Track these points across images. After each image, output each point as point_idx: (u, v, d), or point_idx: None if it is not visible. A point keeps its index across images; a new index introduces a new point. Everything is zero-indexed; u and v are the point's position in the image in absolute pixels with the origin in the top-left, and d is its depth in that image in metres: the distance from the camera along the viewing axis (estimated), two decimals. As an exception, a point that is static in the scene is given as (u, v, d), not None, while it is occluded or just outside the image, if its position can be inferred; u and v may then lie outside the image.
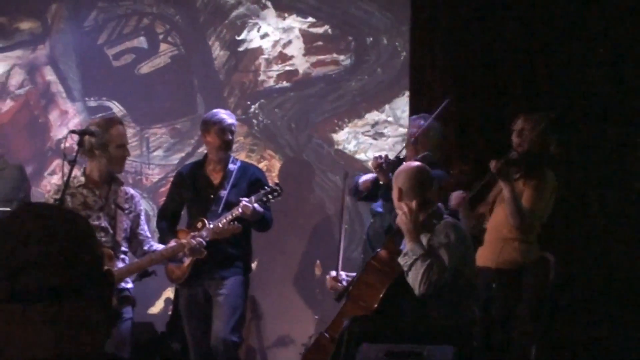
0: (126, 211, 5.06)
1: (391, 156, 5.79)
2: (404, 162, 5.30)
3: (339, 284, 5.14)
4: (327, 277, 5.25)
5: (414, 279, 4.53)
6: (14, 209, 1.57)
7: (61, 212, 1.55)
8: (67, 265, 1.45)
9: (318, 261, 7.02)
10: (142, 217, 5.17)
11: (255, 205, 5.38)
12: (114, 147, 4.99)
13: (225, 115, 5.68)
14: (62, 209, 1.59)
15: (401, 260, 4.60)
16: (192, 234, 5.32)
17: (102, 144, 4.95)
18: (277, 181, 6.07)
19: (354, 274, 5.12)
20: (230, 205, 5.50)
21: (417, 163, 5.01)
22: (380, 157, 5.66)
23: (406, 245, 4.63)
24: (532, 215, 5.14)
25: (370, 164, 5.71)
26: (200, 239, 5.26)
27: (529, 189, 5.16)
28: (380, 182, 5.66)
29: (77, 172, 5.04)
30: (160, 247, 5.22)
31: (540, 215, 5.23)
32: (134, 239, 5.12)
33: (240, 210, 5.36)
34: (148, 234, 5.22)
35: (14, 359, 1.45)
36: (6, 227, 1.49)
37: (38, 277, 1.44)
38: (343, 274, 5.20)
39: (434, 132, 5.78)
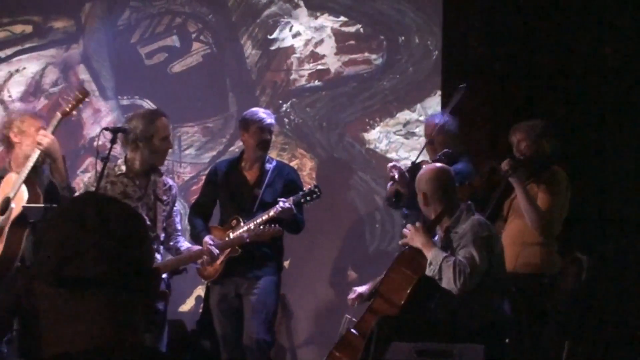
0: (164, 202, 5.08)
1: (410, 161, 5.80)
2: (424, 165, 5.30)
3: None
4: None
5: (448, 280, 4.54)
6: (76, 195, 1.60)
7: (120, 206, 1.58)
8: (117, 257, 1.48)
9: (352, 272, 7.01)
10: (175, 209, 5.19)
11: (292, 206, 5.40)
12: (158, 139, 5.03)
13: (265, 115, 5.70)
14: (121, 203, 1.62)
15: (429, 272, 4.61)
16: (210, 241, 5.35)
17: (147, 136, 4.98)
18: (315, 183, 6.06)
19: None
20: (264, 205, 5.53)
21: (437, 165, 5.02)
22: (394, 167, 5.62)
23: (427, 256, 4.64)
24: (549, 215, 5.16)
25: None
26: (217, 250, 5.28)
27: (542, 190, 5.21)
28: (401, 192, 5.64)
29: (118, 160, 5.07)
30: (185, 245, 5.24)
31: (557, 217, 5.24)
32: (164, 231, 5.14)
33: (278, 210, 5.37)
34: (179, 226, 5.24)
35: (63, 346, 1.47)
36: (65, 212, 1.53)
37: (88, 265, 1.47)
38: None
39: (448, 127, 5.76)
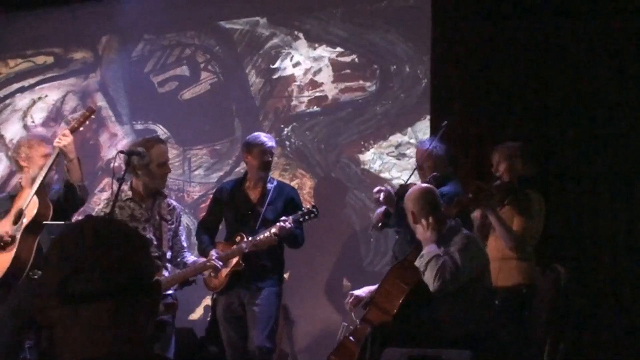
0: (169, 222, 5.07)
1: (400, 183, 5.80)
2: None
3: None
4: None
5: (429, 277, 4.56)
6: (76, 221, 1.62)
7: (117, 225, 1.59)
8: (116, 272, 1.49)
9: (348, 283, 6.99)
10: (181, 228, 5.18)
11: (292, 225, 5.39)
12: (155, 166, 5.01)
13: (266, 139, 5.70)
14: (119, 222, 1.63)
15: (417, 262, 4.62)
16: (216, 255, 5.34)
17: (144, 164, 4.97)
18: (313, 203, 6.05)
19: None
20: (266, 221, 5.52)
21: (423, 185, 5.04)
22: (379, 190, 5.60)
23: (423, 249, 4.66)
24: (523, 237, 5.16)
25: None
26: (220, 262, 5.27)
27: (517, 213, 5.21)
28: (390, 211, 5.62)
29: (124, 186, 5.08)
30: (192, 259, 5.23)
31: (532, 234, 5.24)
32: (171, 249, 5.13)
33: (279, 227, 5.36)
34: (185, 244, 5.23)
35: (75, 356, 1.48)
36: (65, 236, 1.54)
37: (88, 281, 1.47)
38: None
39: (436, 153, 5.73)
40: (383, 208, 5.74)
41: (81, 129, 5.34)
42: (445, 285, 4.53)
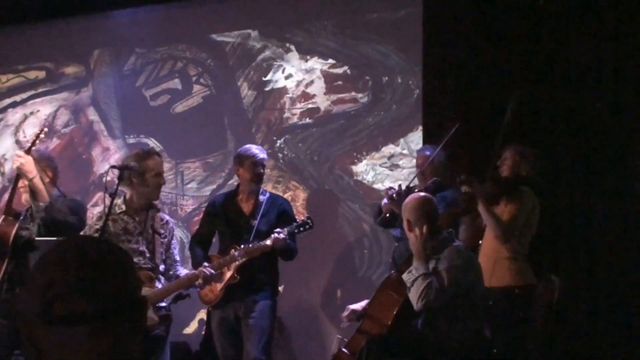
0: (162, 236, 5.06)
1: (405, 185, 5.79)
2: (416, 190, 5.32)
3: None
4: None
5: (414, 295, 4.55)
6: (57, 241, 1.59)
7: (99, 244, 1.57)
8: (100, 293, 1.47)
9: (342, 295, 6.98)
10: (173, 242, 5.16)
11: (287, 237, 5.38)
12: (150, 176, 5.00)
13: (257, 150, 5.69)
14: (101, 241, 1.61)
15: (405, 277, 4.61)
16: (206, 264, 5.31)
17: (140, 174, 4.97)
18: (307, 214, 6.03)
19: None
20: (260, 233, 5.51)
21: (421, 194, 5.01)
22: (391, 188, 5.64)
23: (413, 263, 4.65)
24: (511, 226, 5.16)
25: (382, 194, 5.70)
26: (212, 270, 5.25)
27: (509, 206, 5.22)
28: (396, 212, 5.62)
29: (117, 200, 5.08)
30: (184, 272, 5.21)
31: (524, 232, 5.24)
32: (164, 262, 5.12)
33: (273, 239, 5.35)
34: (177, 257, 5.20)
35: None
36: (47, 258, 1.52)
37: (73, 304, 1.46)
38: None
39: (438, 160, 5.80)
40: (389, 205, 5.72)
41: (34, 148, 5.33)
42: (427, 305, 4.53)
